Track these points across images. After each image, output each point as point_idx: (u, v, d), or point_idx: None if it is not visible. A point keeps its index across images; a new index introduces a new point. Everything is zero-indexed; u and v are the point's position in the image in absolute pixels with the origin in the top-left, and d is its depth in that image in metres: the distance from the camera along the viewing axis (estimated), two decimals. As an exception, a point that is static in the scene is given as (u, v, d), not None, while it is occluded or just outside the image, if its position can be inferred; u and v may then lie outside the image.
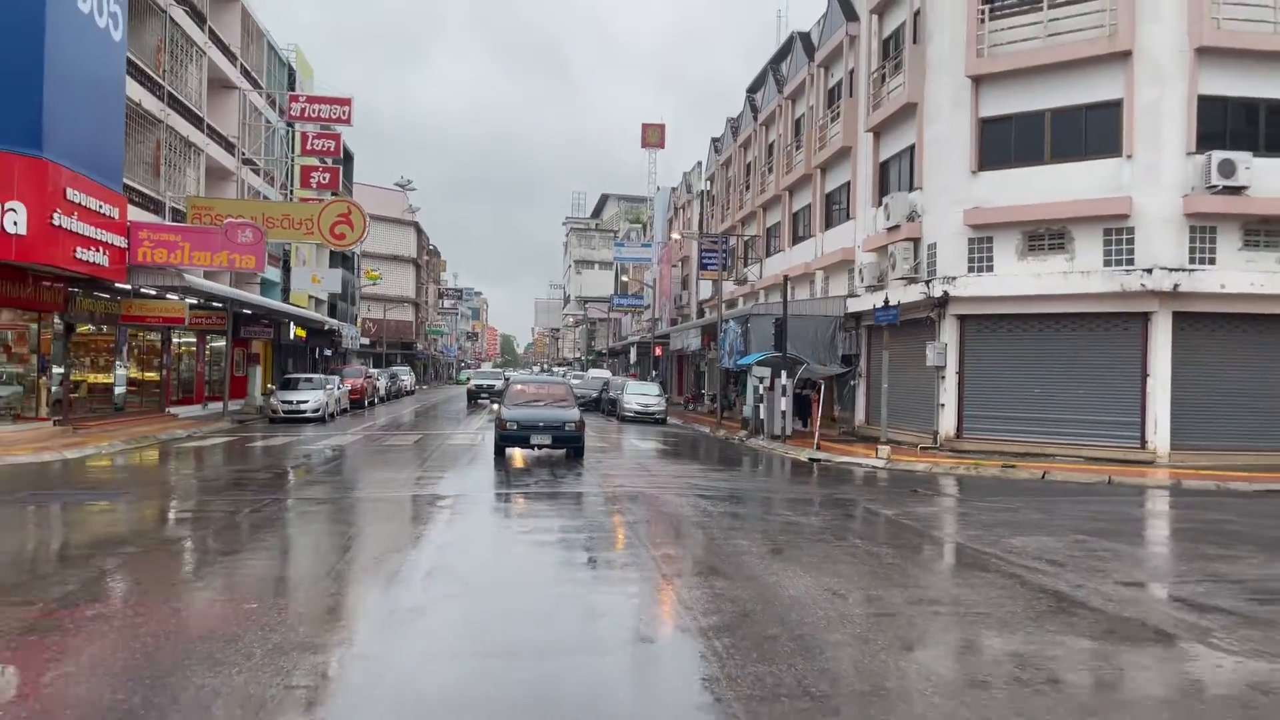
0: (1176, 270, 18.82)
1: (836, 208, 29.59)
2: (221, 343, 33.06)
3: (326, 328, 44.64)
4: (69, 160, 19.20)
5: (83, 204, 19.58)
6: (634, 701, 5.12)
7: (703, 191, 49.91)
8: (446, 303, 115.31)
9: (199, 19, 29.34)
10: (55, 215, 18.51)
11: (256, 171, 35.41)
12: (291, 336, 40.02)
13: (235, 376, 35.29)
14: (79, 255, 19.57)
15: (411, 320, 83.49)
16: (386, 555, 8.87)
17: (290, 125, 38.32)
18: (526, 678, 5.34)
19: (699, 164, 52.31)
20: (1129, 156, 19.39)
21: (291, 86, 40.35)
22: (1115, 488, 16.07)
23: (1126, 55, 19.29)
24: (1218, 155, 18.62)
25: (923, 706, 4.90)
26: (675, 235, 45.51)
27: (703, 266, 35.73)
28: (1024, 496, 14.45)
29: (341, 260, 50.23)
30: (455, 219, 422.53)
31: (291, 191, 39.62)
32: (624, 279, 70.67)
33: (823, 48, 30.31)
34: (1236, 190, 18.74)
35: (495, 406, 24.67)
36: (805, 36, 32.95)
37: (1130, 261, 19.33)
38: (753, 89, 41.56)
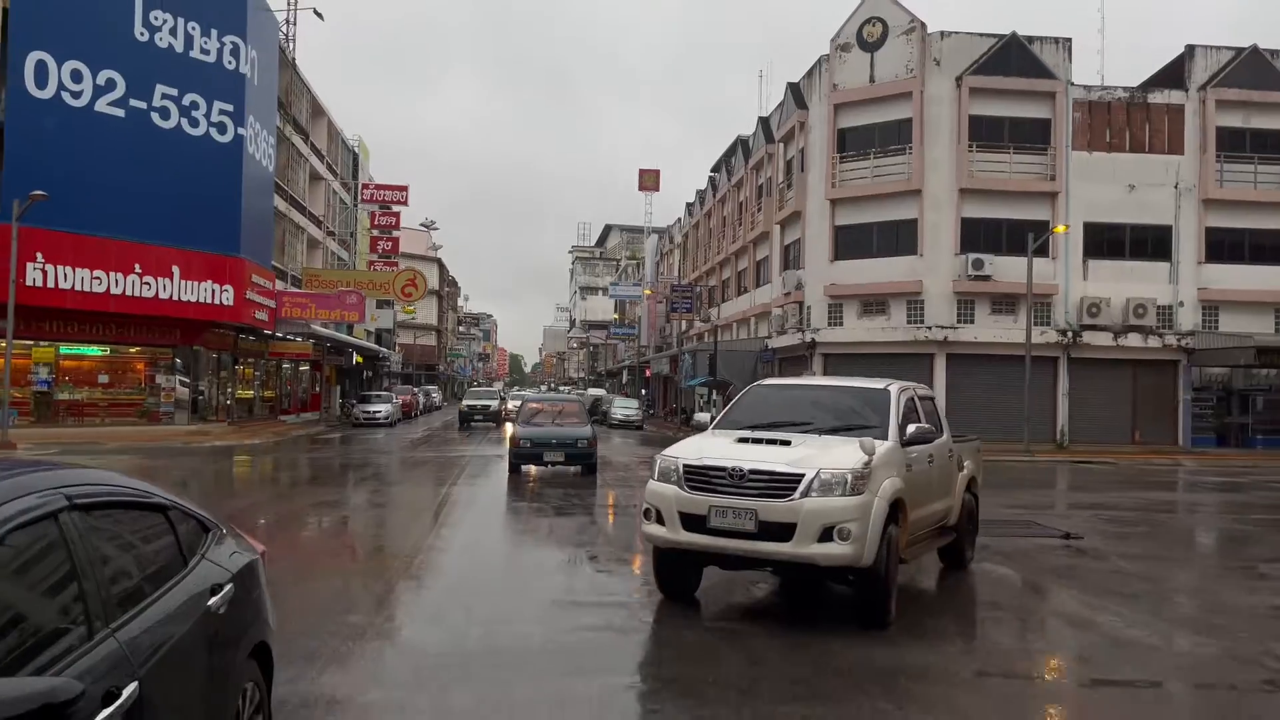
0: (948, 328, 29.99)
1: (763, 272, 40.85)
2: (305, 368, 44.47)
3: (380, 355, 56.02)
4: (249, 254, 30.60)
5: (257, 283, 30.98)
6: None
7: (681, 244, 61.36)
8: (462, 328, 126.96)
9: (304, 135, 40.86)
10: (247, 292, 29.89)
11: (334, 239, 46.88)
12: (353, 363, 51.36)
13: (313, 394, 46.61)
14: (255, 315, 30.98)
15: (434, 345, 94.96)
16: (486, 467, 20.04)
17: (356, 204, 49.87)
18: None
19: (679, 220, 63.73)
20: (921, 255, 30.59)
21: (355, 166, 51.92)
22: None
23: (918, 192, 30.54)
24: (972, 255, 29.80)
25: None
26: (647, 291, 56.75)
27: (672, 309, 46.99)
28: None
29: (387, 300, 61.69)
30: (464, 238, 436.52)
31: (356, 254, 51.11)
32: (614, 315, 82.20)
33: (754, 155, 41.71)
34: (985, 278, 29.91)
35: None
36: (745, 143, 44.34)
37: (922, 321, 30.49)
38: (715, 169, 53.01)
